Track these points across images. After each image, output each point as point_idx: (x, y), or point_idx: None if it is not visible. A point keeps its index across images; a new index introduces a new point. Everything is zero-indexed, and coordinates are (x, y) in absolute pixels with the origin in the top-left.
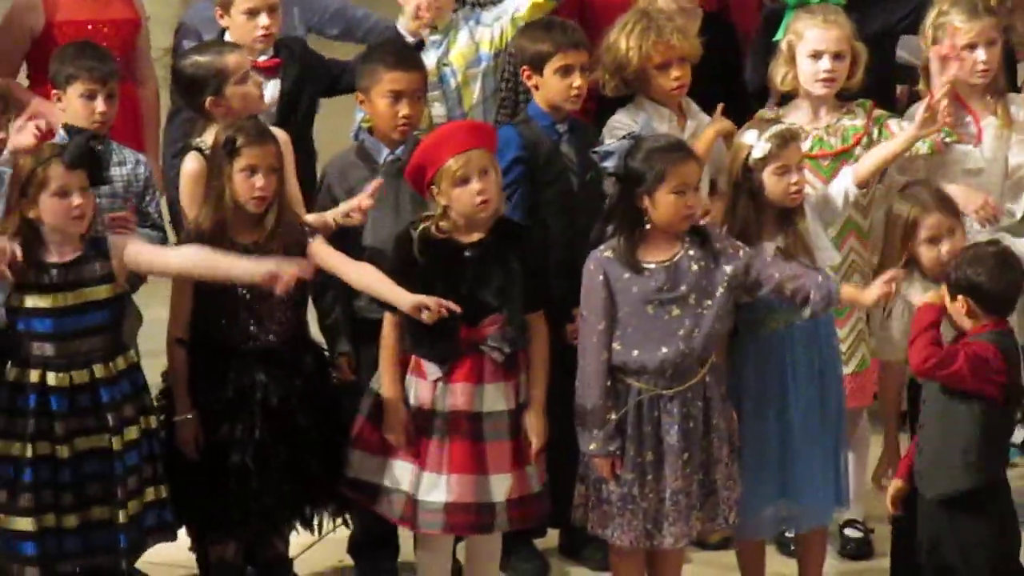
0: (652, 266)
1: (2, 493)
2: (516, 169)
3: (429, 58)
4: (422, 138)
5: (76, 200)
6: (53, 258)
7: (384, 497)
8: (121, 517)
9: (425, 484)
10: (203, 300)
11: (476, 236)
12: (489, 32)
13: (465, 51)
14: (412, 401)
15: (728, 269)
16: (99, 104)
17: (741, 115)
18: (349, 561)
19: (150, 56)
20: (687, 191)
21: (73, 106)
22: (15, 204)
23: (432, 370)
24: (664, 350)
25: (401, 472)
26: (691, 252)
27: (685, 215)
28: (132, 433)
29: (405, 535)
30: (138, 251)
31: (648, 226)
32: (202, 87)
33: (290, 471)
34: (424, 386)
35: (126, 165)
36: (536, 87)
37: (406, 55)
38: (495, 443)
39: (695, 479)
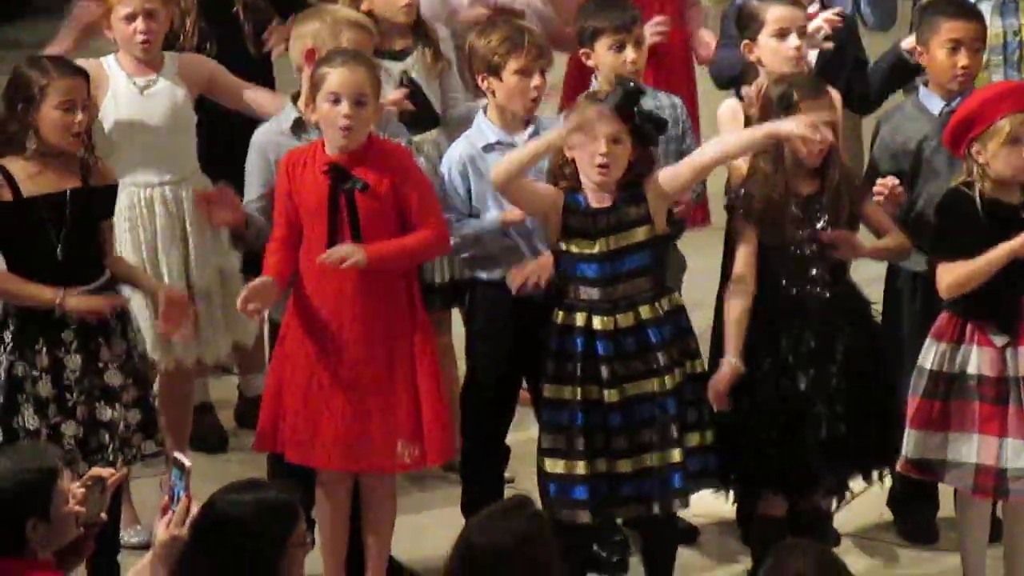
0: None
1: (560, 438)
2: None
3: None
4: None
5: (602, 147)
6: (593, 204)
7: (952, 471)
8: (676, 456)
9: (1011, 451)
10: (769, 255)
11: (1016, 196)
12: None
13: None
14: (972, 370)
15: None
16: (628, 53)
17: None
18: (889, 516)
19: (700, 2)
20: None
21: (603, 59)
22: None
23: (999, 337)
24: None
25: (968, 445)
26: None
27: None
28: (676, 376)
29: (945, 492)
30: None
31: None
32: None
33: (855, 421)
34: (991, 355)
35: (663, 110)
36: None
37: (966, 5)
38: None
39: None
